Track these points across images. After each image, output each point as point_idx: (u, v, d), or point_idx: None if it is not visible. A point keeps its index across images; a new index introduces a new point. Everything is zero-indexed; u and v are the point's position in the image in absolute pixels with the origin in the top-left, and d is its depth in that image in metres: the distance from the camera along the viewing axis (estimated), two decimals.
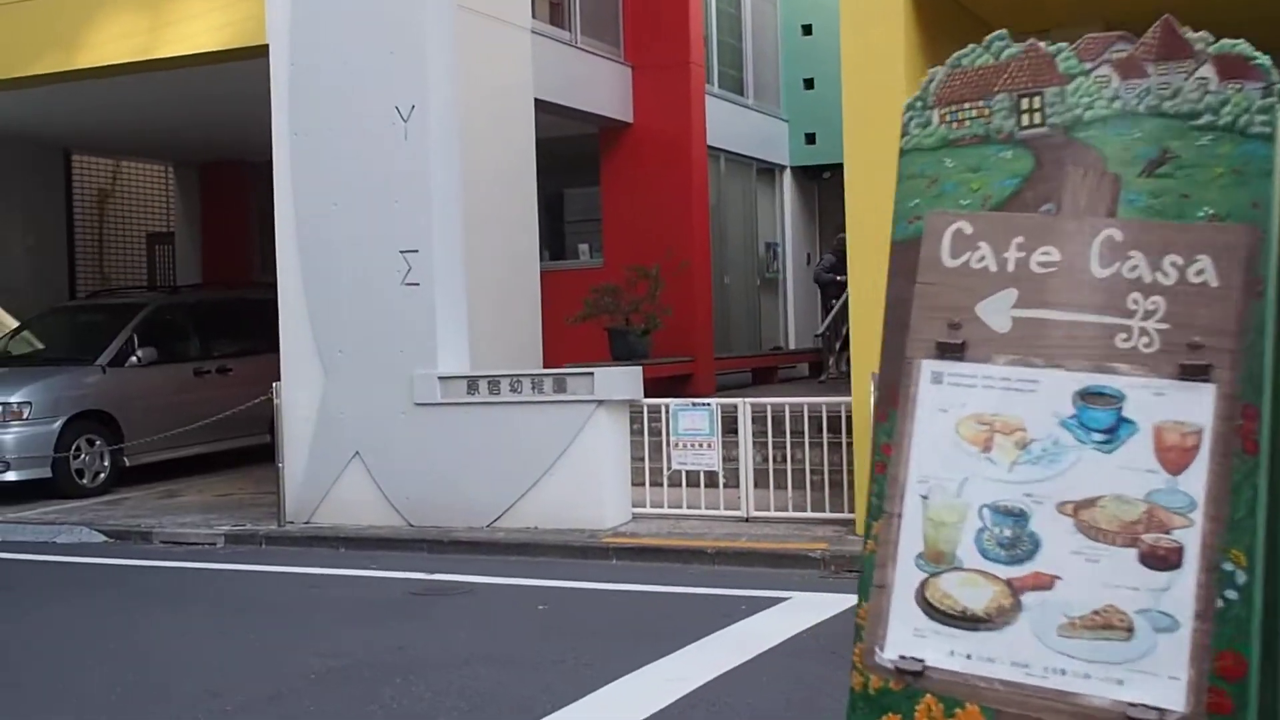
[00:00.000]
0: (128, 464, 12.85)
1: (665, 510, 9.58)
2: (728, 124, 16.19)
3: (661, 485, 9.63)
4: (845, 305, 15.27)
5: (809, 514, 9.17)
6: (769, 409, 9.58)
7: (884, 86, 8.36)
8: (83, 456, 12.41)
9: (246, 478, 12.94)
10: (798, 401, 9.75)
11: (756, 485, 9.41)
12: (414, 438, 9.84)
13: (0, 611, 8.14)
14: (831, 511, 9.11)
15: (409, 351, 9.86)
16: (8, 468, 11.93)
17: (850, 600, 6.99)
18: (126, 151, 17.90)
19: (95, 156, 17.86)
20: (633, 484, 9.67)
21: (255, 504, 11.27)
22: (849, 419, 8.86)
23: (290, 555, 9.47)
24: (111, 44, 11.43)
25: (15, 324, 14.73)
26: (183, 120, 14.49)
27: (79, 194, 17.48)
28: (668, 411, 9.55)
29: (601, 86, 14.25)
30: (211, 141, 16.03)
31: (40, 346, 13.98)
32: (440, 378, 9.76)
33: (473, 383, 9.71)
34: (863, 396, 8.23)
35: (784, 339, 18.21)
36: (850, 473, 8.80)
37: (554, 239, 15.24)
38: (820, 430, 9.19)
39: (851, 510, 8.85)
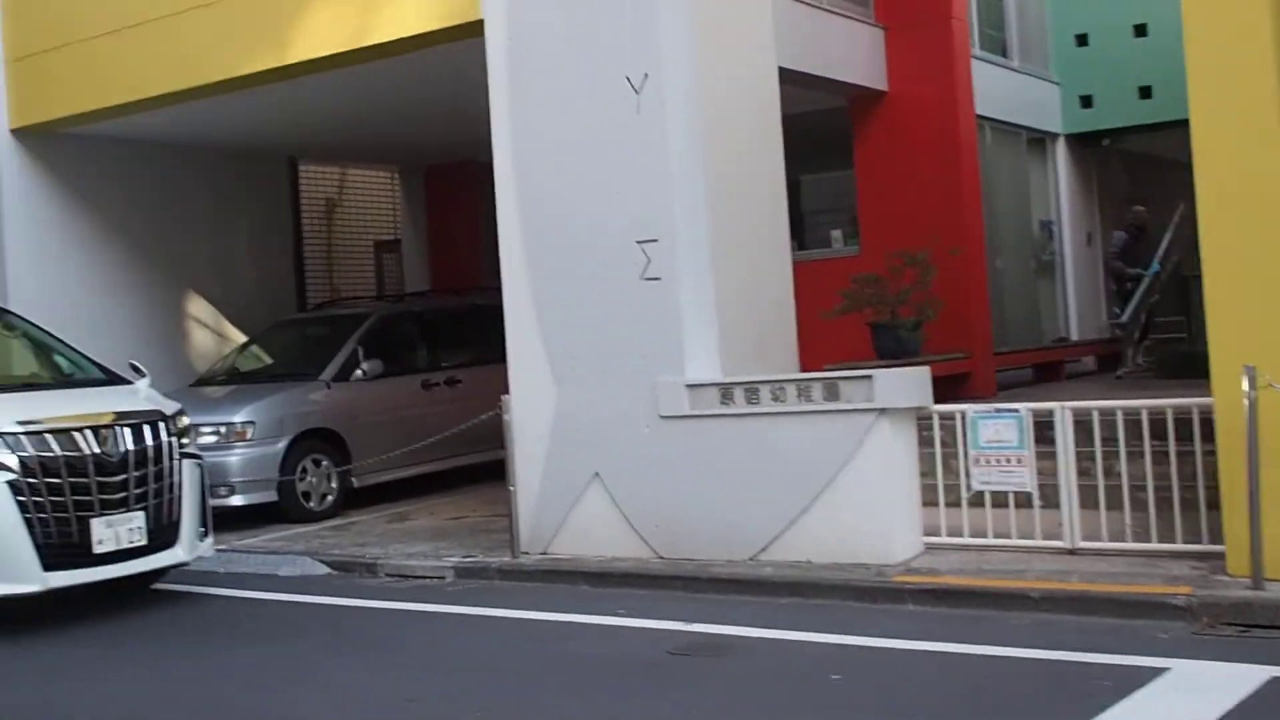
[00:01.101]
0: (355, 485, 11.98)
1: (965, 539, 8.03)
2: (992, 88, 14.42)
3: (959, 508, 8.08)
4: (1148, 291, 13.61)
5: (1154, 545, 7.42)
6: (1095, 414, 7.87)
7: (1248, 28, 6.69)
8: (309, 478, 11.58)
9: (479, 498, 11.91)
10: (1132, 404, 7.81)
11: (1082, 506, 7.75)
12: (660, 455, 8.54)
13: (186, 651, 7.31)
14: (1186, 542, 7.33)
15: (651, 357, 8.58)
16: (232, 492, 11.14)
17: (1261, 671, 5.44)
18: (352, 158, 17.20)
19: (321, 165, 17.23)
20: (922, 506, 8.20)
21: (488, 529, 10.18)
22: (1204, 423, 7.14)
23: (525, 594, 8.27)
24: (321, 35, 10.51)
25: (243, 339, 14.09)
26: (404, 121, 13.58)
27: (307, 204, 16.83)
28: (964, 420, 8.01)
29: (851, 51, 12.72)
30: (435, 143, 15.12)
31: (267, 362, 13.27)
32: (688, 386, 8.44)
33: (726, 391, 8.35)
34: (1231, 395, 6.57)
35: (1065, 329, 16.30)
36: (1210, 490, 7.06)
37: (799, 225, 13.75)
38: (1165, 438, 7.44)
39: (1215, 540, 7.08)
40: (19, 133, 12.67)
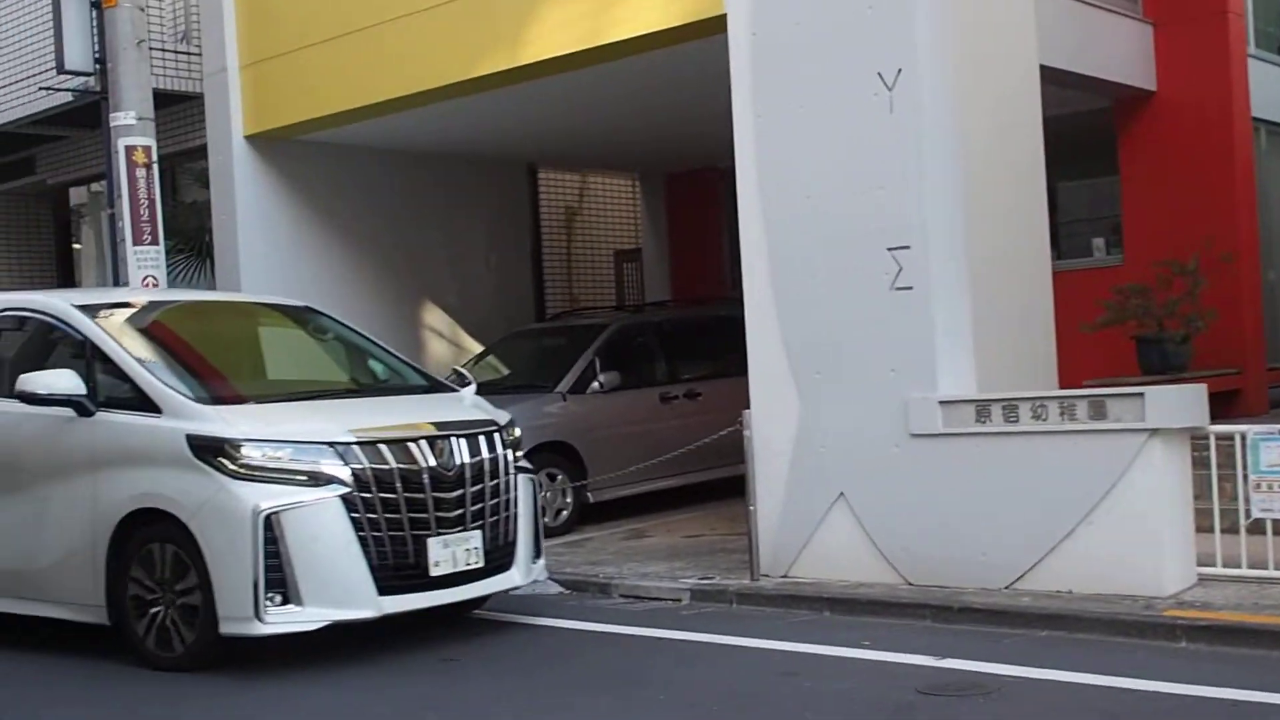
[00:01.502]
0: (591, 500, 11.77)
1: (1243, 571, 7.34)
2: (1269, 89, 13.40)
3: (1237, 535, 7.38)
4: None
5: None
6: None
7: None
8: (544, 493, 11.41)
9: (718, 515, 11.54)
10: None
11: None
12: (911, 476, 8.03)
13: (430, 679, 6.94)
14: None
15: (901, 371, 8.08)
16: None
17: None
18: (590, 165, 17.09)
19: (560, 173, 17.18)
20: (1195, 534, 7.50)
21: (726, 548, 9.81)
22: None
23: (765, 621, 7.86)
24: (554, 35, 10.30)
25: (478, 348, 14.06)
26: (642, 125, 13.36)
27: (546, 212, 16.81)
28: (1243, 441, 7.30)
29: (1117, 48, 11.93)
30: (675, 148, 14.87)
31: (503, 372, 13.18)
32: (942, 402, 7.92)
33: (983, 408, 7.79)
34: None
35: None
36: None
37: (1057, 233, 12.97)
38: None
39: None
40: (252, 139, 12.86)
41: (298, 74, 12.26)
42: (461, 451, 7.47)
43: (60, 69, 13.23)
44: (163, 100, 14.17)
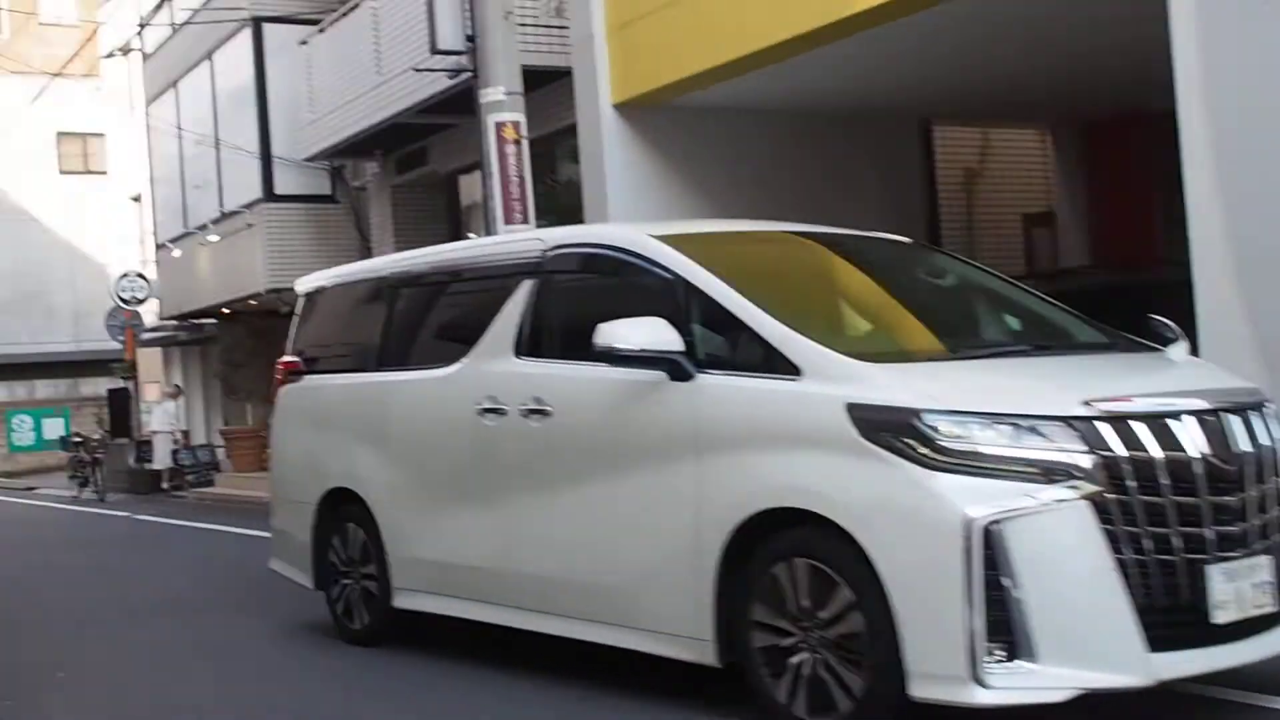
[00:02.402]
0: None
1: None
2: None
3: None
4: None
5: None
6: None
7: None
8: None
9: None
10: None
11: None
12: None
13: None
14: None
15: None
16: None
17: None
18: (994, 116, 15.37)
19: (959, 127, 15.58)
20: None
21: None
22: None
23: None
24: None
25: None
26: (1057, 64, 11.64)
27: (943, 173, 15.29)
28: None
29: None
30: (1094, 91, 13.02)
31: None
32: None
33: None
34: None
35: None
36: None
37: None
38: None
39: None
40: (620, 108, 12.01)
41: (665, 33, 11.31)
42: (1239, 436, 4.96)
43: (433, 49, 12.98)
44: (537, 78, 13.68)
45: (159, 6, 21.83)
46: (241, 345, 23.45)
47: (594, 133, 12.08)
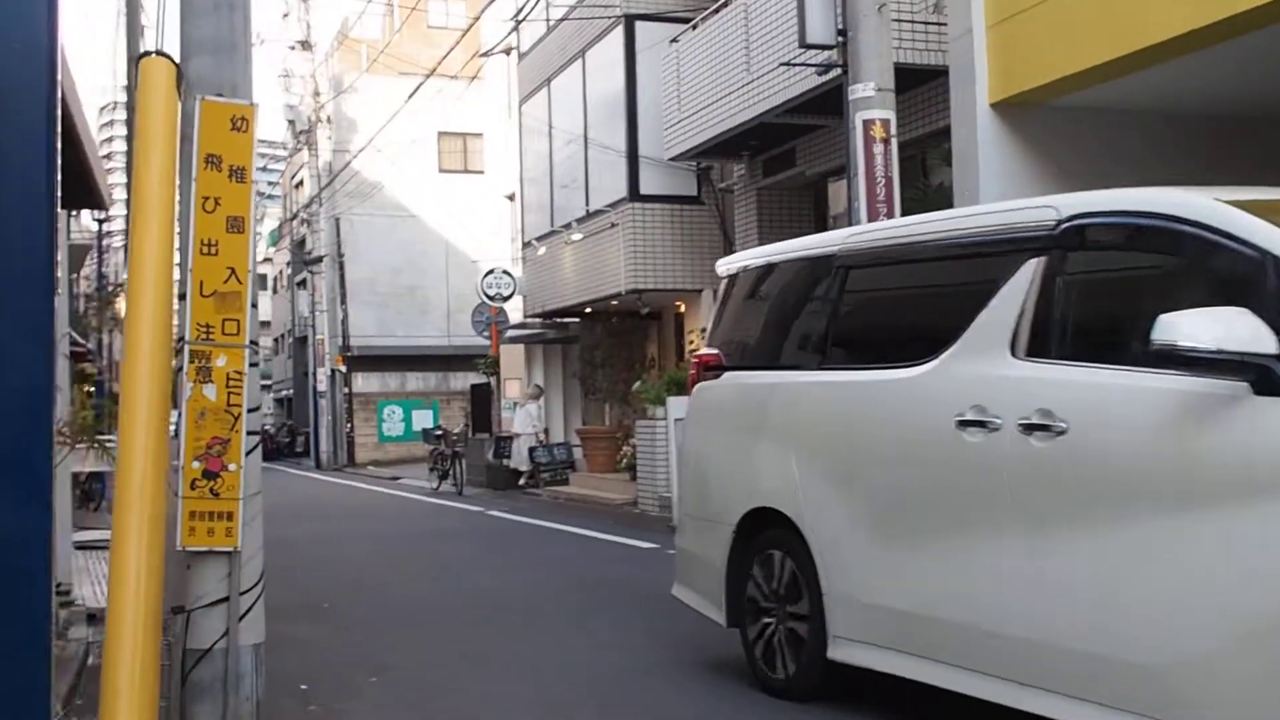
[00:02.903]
0: None
1: None
2: None
3: None
4: None
5: None
6: None
7: None
8: None
9: None
10: None
11: None
12: None
13: None
14: None
15: None
16: None
17: None
18: None
19: None
20: None
21: None
22: None
23: None
24: None
25: None
26: None
27: None
28: None
29: None
30: None
31: None
32: None
33: None
34: None
35: None
36: None
37: None
38: None
39: None
40: (998, 107, 11.04)
41: (1055, 25, 10.30)
42: None
43: (802, 43, 12.48)
44: (910, 78, 12.98)
45: (534, 4, 22.18)
46: (601, 345, 23.55)
47: (969, 133, 11.21)
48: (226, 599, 5.27)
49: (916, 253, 5.95)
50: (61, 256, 8.42)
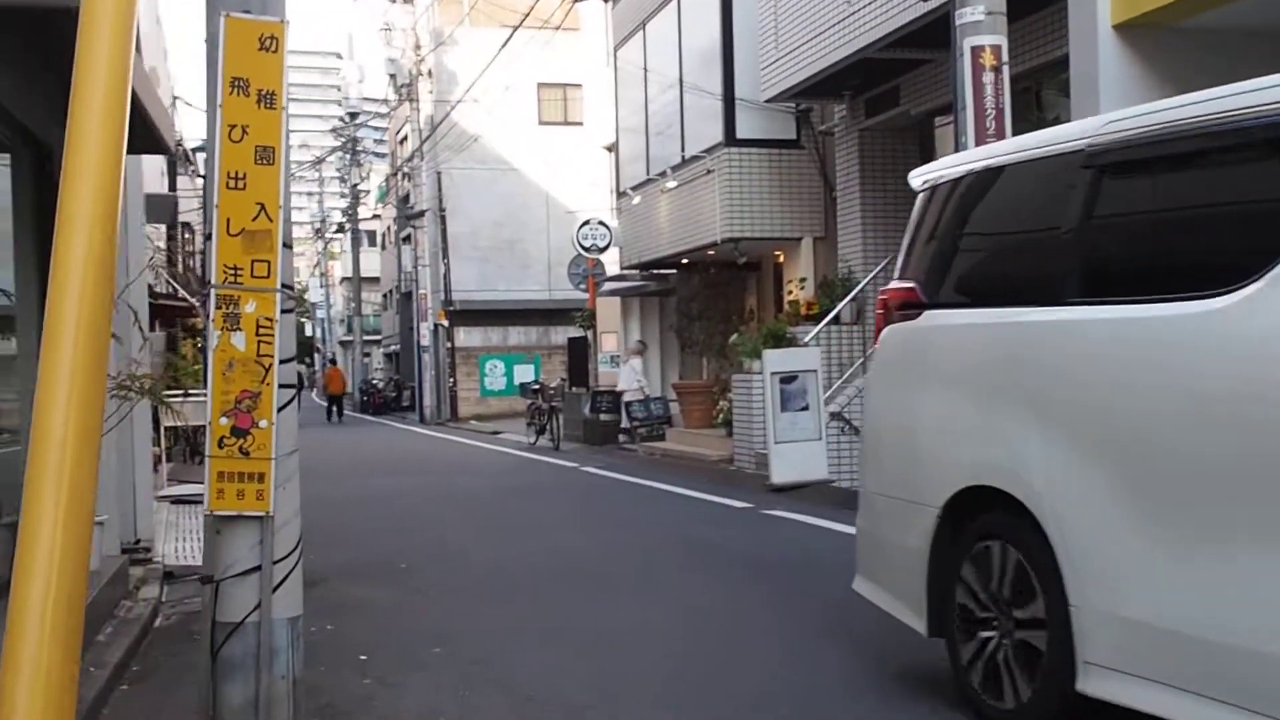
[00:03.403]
0: None
1: None
2: None
3: None
4: None
5: None
6: None
7: None
8: None
9: None
10: None
11: None
12: None
13: None
14: None
15: None
16: None
17: None
18: None
19: None
20: None
21: None
22: None
23: None
24: None
25: None
26: None
27: None
28: None
29: None
30: None
31: None
32: None
33: None
34: None
35: None
36: None
37: None
38: None
39: None
40: (1121, 29, 10.18)
41: None
42: None
43: None
44: (1025, 4, 12.12)
45: None
46: (697, 297, 22.90)
47: (1089, 58, 10.36)
48: (258, 568, 4.78)
49: (1213, 141, 4.30)
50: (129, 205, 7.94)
